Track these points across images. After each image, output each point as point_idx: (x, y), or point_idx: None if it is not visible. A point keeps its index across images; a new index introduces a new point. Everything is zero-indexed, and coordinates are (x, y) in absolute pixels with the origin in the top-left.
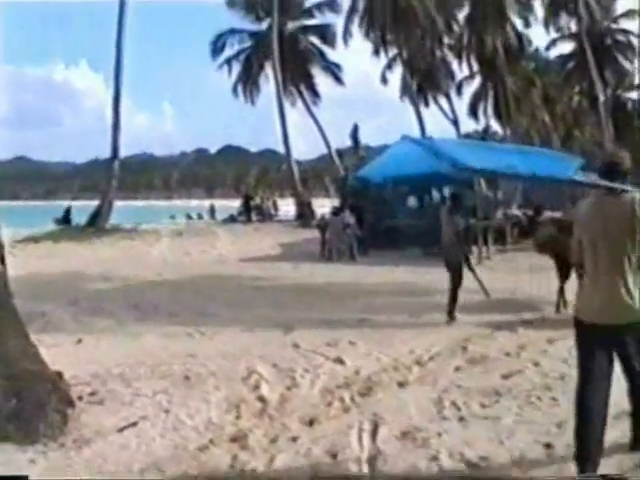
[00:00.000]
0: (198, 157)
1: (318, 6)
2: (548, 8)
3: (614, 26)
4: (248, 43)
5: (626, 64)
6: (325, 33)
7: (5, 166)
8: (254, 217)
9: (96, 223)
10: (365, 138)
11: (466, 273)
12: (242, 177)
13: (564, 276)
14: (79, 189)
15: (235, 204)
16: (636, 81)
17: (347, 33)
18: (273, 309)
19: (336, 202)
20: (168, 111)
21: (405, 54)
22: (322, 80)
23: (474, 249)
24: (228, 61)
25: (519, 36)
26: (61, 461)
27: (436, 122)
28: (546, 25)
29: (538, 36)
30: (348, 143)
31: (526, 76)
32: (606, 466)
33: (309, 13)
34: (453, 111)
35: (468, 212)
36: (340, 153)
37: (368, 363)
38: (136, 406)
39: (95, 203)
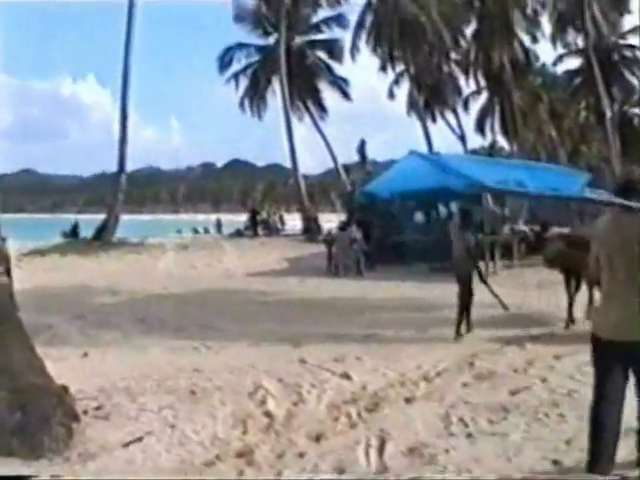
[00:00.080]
0: (205, 171)
1: (326, 21)
2: (555, 24)
3: (621, 42)
4: (255, 57)
5: (633, 80)
6: (332, 48)
7: (11, 179)
8: (260, 231)
9: (102, 237)
10: (372, 153)
11: (479, 288)
12: (249, 191)
13: (574, 291)
14: (85, 202)
15: (242, 218)
16: None
17: (354, 48)
18: (279, 324)
19: (342, 217)
20: (175, 125)
21: (412, 69)
22: (329, 95)
23: (481, 265)
24: (235, 75)
25: (526, 52)
26: (66, 476)
27: (443, 137)
28: (553, 41)
29: (545, 52)
30: (355, 158)
31: (533, 91)
32: None
33: (317, 28)
34: (460, 126)
35: (476, 228)
36: (347, 168)
37: (375, 378)
38: (142, 421)
39: (101, 217)
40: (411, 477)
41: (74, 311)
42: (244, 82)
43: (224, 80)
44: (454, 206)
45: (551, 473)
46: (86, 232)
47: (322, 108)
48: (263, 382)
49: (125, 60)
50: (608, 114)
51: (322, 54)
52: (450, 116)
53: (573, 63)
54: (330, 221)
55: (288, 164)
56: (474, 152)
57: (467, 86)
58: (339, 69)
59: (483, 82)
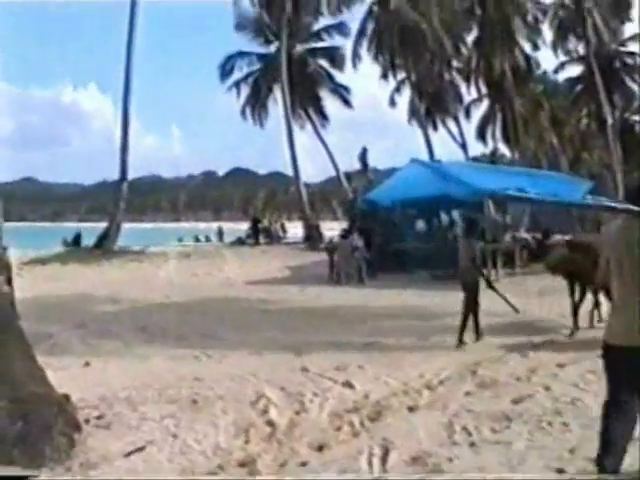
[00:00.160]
0: (206, 179)
1: (327, 29)
2: (557, 31)
3: (622, 49)
4: (257, 66)
5: (634, 87)
6: (334, 56)
7: (13, 187)
8: (262, 240)
9: (104, 245)
10: (373, 161)
11: (484, 296)
12: (250, 199)
13: (580, 297)
14: (86, 211)
15: (243, 226)
16: None
17: (356, 56)
18: (281, 332)
19: (344, 225)
20: (176, 133)
21: (413, 77)
22: (330, 103)
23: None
24: (237, 84)
25: (527, 59)
26: None
27: (444, 145)
28: (554, 48)
29: (546, 59)
30: (356, 166)
31: (534, 99)
32: None
33: (318, 36)
34: (461, 134)
35: (478, 235)
36: (348, 176)
37: (377, 387)
38: (143, 430)
39: (103, 225)
40: (413, 478)
41: (75, 320)
42: (245, 90)
43: (225, 88)
44: (455, 214)
45: None
46: (87, 240)
47: (323, 116)
48: (265, 391)
49: (127, 68)
50: (609, 121)
51: (323, 62)
52: (451, 124)
53: (574, 70)
54: (332, 229)
55: (290, 172)
56: (475, 160)
57: (468, 93)
58: (340, 77)
59: (484, 89)
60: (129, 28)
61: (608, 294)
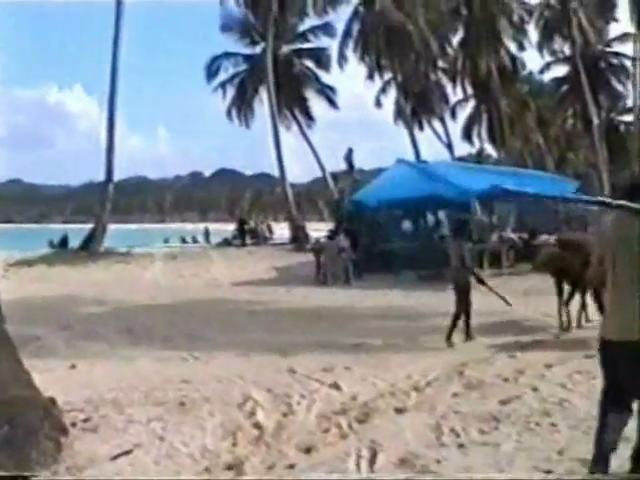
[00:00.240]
0: (192, 180)
1: (313, 30)
2: (542, 31)
3: (608, 49)
4: (243, 67)
5: (619, 87)
6: (320, 57)
7: None
8: (248, 241)
9: (90, 247)
10: (359, 161)
11: (475, 296)
12: (236, 200)
13: (569, 296)
14: (72, 212)
15: (229, 227)
16: (629, 104)
17: (341, 57)
18: (268, 333)
19: (330, 225)
20: (162, 134)
21: (399, 78)
22: (316, 103)
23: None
24: (223, 85)
25: (513, 59)
26: None
27: (430, 145)
28: (540, 48)
29: (532, 59)
30: (342, 166)
31: (520, 99)
32: None
33: (304, 37)
34: (447, 134)
35: (467, 236)
36: (334, 176)
37: (365, 388)
38: (130, 433)
39: (89, 226)
40: (404, 477)
41: (61, 322)
42: (231, 91)
43: (211, 89)
44: (442, 214)
45: None
46: (73, 242)
47: (309, 117)
48: (252, 393)
49: (112, 69)
50: (595, 121)
51: (309, 63)
52: (437, 124)
53: (560, 71)
54: (318, 230)
55: (276, 173)
56: (461, 160)
57: (454, 94)
58: (326, 77)
59: (470, 90)
60: (115, 29)
61: (596, 295)
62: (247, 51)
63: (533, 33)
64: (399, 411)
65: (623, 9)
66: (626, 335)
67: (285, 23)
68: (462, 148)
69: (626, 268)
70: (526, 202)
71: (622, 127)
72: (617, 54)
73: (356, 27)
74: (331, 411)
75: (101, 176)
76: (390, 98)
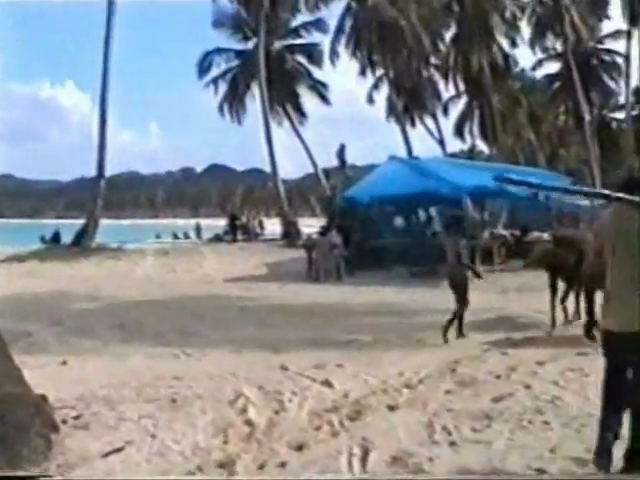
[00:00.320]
0: (184, 176)
1: (305, 26)
2: (534, 28)
3: (600, 46)
4: (235, 62)
5: (611, 84)
6: (312, 52)
7: None
8: (240, 236)
9: (82, 242)
10: (351, 158)
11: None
12: (228, 196)
13: (565, 293)
14: (64, 207)
15: (221, 223)
16: (621, 101)
17: (334, 53)
18: (259, 330)
19: (322, 221)
20: (154, 130)
21: (391, 74)
22: (308, 99)
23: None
24: (215, 80)
25: (505, 56)
26: None
27: (422, 142)
28: (532, 45)
29: (524, 56)
30: (334, 162)
31: (512, 96)
32: None
33: (296, 33)
34: (439, 131)
35: (462, 233)
36: (326, 172)
37: (357, 386)
38: (121, 430)
39: (80, 222)
40: (396, 478)
41: (53, 318)
42: (223, 87)
43: (203, 85)
44: (433, 211)
45: None
46: (65, 237)
47: (301, 113)
48: (244, 390)
49: (104, 64)
50: (587, 118)
51: (301, 58)
52: (429, 120)
53: (552, 67)
54: (310, 226)
55: (267, 169)
56: (453, 156)
57: (446, 90)
58: (318, 73)
59: (462, 86)
60: (107, 25)
61: (587, 293)
62: (239, 47)
63: (525, 30)
64: (391, 408)
65: (615, 6)
66: (627, 327)
67: (277, 19)
68: (454, 144)
69: (626, 260)
70: (518, 198)
71: (614, 124)
72: (609, 51)
73: (348, 23)
74: (323, 408)
75: (93, 171)
76: (382, 94)
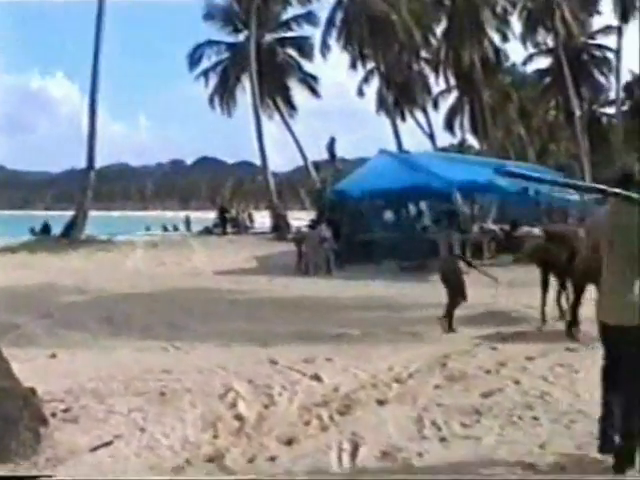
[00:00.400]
0: (174, 168)
1: (296, 19)
2: (525, 23)
3: (590, 42)
4: (225, 55)
5: (602, 79)
6: (302, 45)
7: None
8: (229, 229)
9: (71, 234)
10: (341, 151)
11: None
12: (218, 189)
13: (559, 289)
14: (54, 199)
15: (210, 216)
16: (611, 96)
17: (324, 46)
18: (249, 323)
19: (312, 215)
20: (144, 121)
21: (382, 67)
22: (299, 92)
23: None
24: (205, 73)
25: (496, 50)
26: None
27: (412, 135)
28: (523, 40)
29: (515, 51)
30: (324, 155)
31: (503, 90)
32: None
33: (287, 25)
34: (429, 125)
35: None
36: (316, 165)
37: (346, 380)
38: (110, 424)
39: (70, 213)
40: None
41: (42, 310)
42: (214, 79)
43: (194, 77)
44: (423, 205)
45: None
46: (55, 229)
47: (291, 106)
48: (233, 384)
49: (94, 56)
50: (577, 113)
51: (292, 51)
52: (419, 114)
53: (543, 62)
54: (299, 219)
55: (258, 161)
56: (443, 150)
57: (437, 84)
58: (309, 66)
59: (453, 81)
60: (97, 16)
61: (577, 289)
62: (230, 39)
63: (516, 24)
64: (381, 403)
65: (606, 2)
66: (623, 320)
67: (268, 12)
68: (444, 139)
69: (623, 255)
70: (507, 193)
71: (604, 119)
72: (600, 46)
73: (339, 16)
74: (312, 403)
75: (83, 163)
76: (373, 87)
